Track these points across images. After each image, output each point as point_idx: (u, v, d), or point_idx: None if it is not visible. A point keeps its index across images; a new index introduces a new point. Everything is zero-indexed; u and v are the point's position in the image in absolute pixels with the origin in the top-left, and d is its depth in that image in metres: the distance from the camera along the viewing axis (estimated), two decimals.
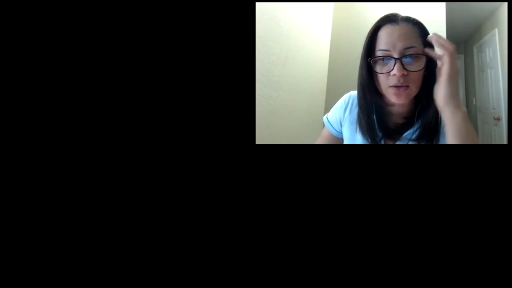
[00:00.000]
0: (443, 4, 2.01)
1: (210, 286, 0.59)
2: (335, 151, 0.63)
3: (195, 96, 0.61)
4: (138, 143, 0.60)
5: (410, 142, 0.70)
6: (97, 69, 0.60)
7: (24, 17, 0.58)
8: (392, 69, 0.63)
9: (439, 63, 0.62)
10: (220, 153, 0.61)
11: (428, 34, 0.66)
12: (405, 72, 0.63)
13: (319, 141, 0.91)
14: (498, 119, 2.97)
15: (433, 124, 0.67)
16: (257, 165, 0.62)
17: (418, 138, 0.69)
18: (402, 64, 0.62)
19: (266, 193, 0.61)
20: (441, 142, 0.68)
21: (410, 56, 0.63)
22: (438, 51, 0.62)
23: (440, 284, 0.58)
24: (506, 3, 2.60)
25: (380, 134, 0.73)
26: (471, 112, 3.98)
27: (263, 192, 0.61)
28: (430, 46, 0.65)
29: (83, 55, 0.60)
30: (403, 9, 2.01)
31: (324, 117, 0.89)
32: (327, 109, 0.89)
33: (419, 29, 0.66)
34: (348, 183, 0.61)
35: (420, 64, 0.63)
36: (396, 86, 0.64)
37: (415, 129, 0.69)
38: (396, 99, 0.65)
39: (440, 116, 0.64)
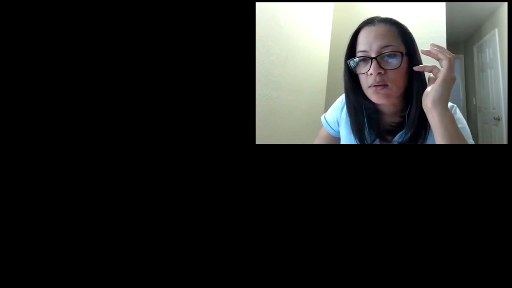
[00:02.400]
0: (443, 4, 2.00)
1: (210, 286, 0.59)
2: (334, 151, 0.63)
3: (195, 96, 0.61)
4: (138, 143, 0.60)
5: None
6: (97, 70, 0.60)
7: (24, 17, 0.58)
8: (369, 69, 0.64)
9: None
10: (220, 153, 0.61)
11: (409, 33, 0.67)
12: (382, 71, 0.63)
13: (317, 141, 0.92)
14: (498, 119, 2.97)
15: (419, 124, 0.67)
16: (257, 165, 0.62)
17: (409, 140, 0.69)
18: (378, 63, 0.63)
19: (266, 193, 0.61)
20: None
21: (388, 55, 0.64)
22: (439, 56, 0.62)
23: (435, 285, 0.58)
24: (506, 3, 2.60)
25: (372, 136, 0.73)
26: (471, 112, 3.98)
27: (263, 192, 0.61)
28: (411, 46, 0.66)
29: (83, 55, 0.60)
30: (403, 9, 2.02)
31: (322, 117, 0.90)
32: (327, 109, 0.90)
33: (398, 28, 0.67)
34: (347, 183, 0.61)
35: (398, 62, 0.64)
36: (374, 86, 0.65)
37: (405, 131, 0.69)
38: (376, 98, 0.66)
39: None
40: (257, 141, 1.24)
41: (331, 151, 0.63)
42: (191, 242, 0.60)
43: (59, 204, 0.58)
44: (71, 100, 0.59)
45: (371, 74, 0.64)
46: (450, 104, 0.69)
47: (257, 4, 1.23)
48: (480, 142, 3.55)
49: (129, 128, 0.60)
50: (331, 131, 0.87)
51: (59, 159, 0.59)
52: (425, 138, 0.68)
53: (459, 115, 0.70)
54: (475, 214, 0.59)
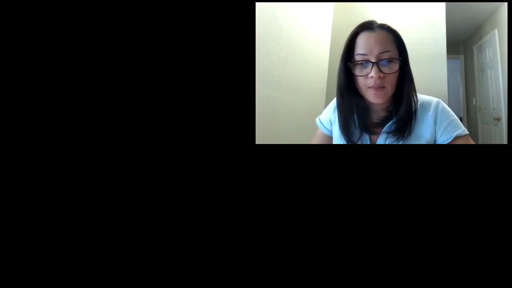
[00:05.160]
0: (443, 4, 2.00)
1: (210, 286, 0.59)
2: (334, 151, 0.63)
3: (196, 96, 0.61)
4: (139, 143, 0.60)
5: (389, 136, 0.75)
6: (97, 70, 0.60)
7: (24, 17, 0.58)
8: (370, 72, 0.69)
9: None
10: (220, 153, 0.61)
11: (402, 39, 0.73)
12: (382, 75, 0.69)
13: (314, 141, 0.97)
14: (498, 119, 2.97)
15: (407, 119, 0.73)
16: (257, 165, 0.62)
17: (395, 131, 0.74)
18: (378, 67, 0.69)
19: (266, 192, 0.61)
20: (412, 136, 0.74)
21: (386, 60, 0.69)
22: None
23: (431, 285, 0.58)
24: (506, 3, 2.60)
25: (357, 134, 0.78)
26: (471, 112, 3.98)
27: (263, 192, 0.61)
28: (404, 51, 0.72)
29: (83, 55, 0.60)
30: (403, 9, 2.02)
31: (317, 118, 0.95)
32: None
33: (393, 35, 0.73)
34: (347, 182, 0.62)
35: (395, 67, 0.70)
36: (373, 88, 0.70)
37: (393, 122, 0.75)
38: (374, 99, 0.72)
39: (414, 111, 0.73)
40: (257, 141, 1.24)
41: (331, 151, 0.63)
42: (191, 242, 0.60)
43: (58, 203, 0.58)
44: (71, 100, 0.59)
45: (371, 77, 0.69)
46: (435, 99, 0.76)
47: (257, 4, 1.23)
48: (480, 142, 3.55)
49: (130, 128, 0.60)
50: (325, 131, 0.92)
51: (58, 159, 0.59)
52: (411, 130, 0.74)
53: (445, 108, 0.75)
54: (475, 214, 0.59)
